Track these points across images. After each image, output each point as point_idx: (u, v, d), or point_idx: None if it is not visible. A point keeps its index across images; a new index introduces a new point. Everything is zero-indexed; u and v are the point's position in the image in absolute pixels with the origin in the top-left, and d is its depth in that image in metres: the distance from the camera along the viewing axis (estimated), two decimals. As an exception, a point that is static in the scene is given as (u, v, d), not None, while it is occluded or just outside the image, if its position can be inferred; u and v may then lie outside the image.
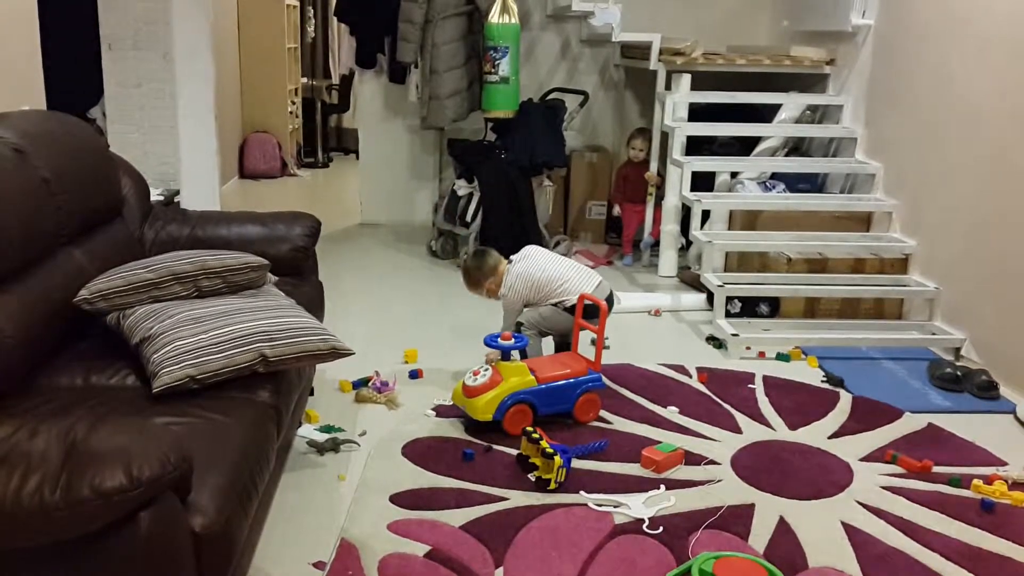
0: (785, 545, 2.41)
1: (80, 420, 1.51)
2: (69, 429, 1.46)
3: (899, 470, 2.88)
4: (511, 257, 3.57)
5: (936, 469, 2.88)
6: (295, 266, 3.16)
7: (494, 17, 5.05)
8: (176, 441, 1.52)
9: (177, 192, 4.78)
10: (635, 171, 5.50)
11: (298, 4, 8.90)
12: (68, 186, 2.53)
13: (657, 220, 5.31)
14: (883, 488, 2.75)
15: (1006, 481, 2.77)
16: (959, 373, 3.60)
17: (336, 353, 2.38)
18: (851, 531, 2.49)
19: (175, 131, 5.04)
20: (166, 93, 5.02)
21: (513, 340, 3.12)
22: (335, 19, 6.57)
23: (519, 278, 3.45)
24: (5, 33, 4.22)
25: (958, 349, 3.96)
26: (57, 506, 1.34)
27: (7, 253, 2.12)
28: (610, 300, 3.48)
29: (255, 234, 3.14)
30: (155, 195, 4.12)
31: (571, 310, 3.37)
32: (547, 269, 3.46)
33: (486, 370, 3.05)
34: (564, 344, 3.53)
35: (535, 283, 3.43)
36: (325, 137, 9.30)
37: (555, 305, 3.43)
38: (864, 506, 2.64)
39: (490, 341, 3.13)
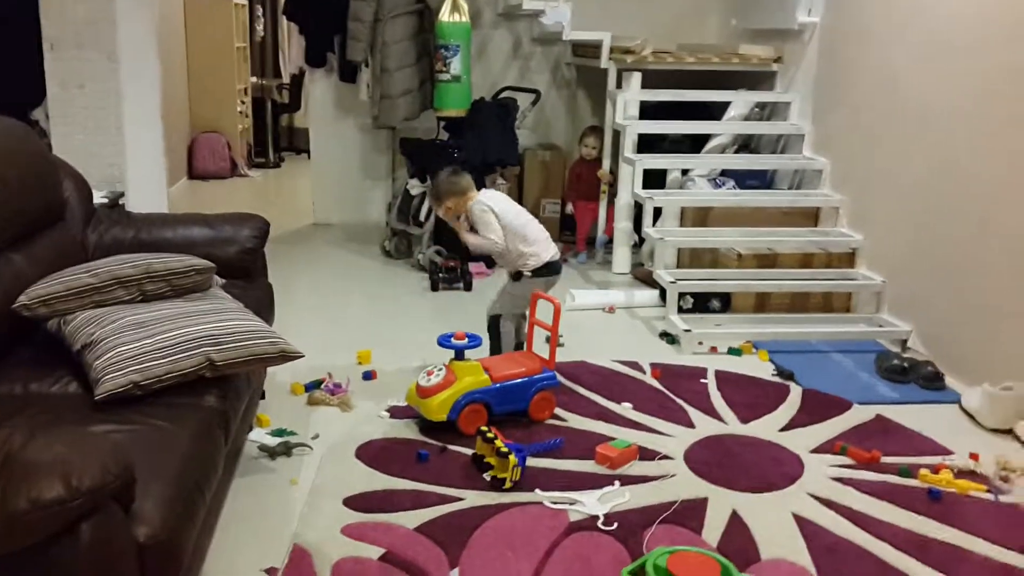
0: (738, 538, 2.43)
1: (17, 430, 1.47)
2: (5, 439, 1.42)
3: (849, 461, 2.92)
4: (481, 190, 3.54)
5: (884, 459, 2.92)
6: (243, 268, 3.11)
7: (444, 15, 5.04)
8: (117, 449, 1.49)
9: (122, 194, 4.68)
10: (588, 169, 5.52)
11: (246, 3, 8.79)
12: (6, 190, 2.46)
13: (610, 217, 5.34)
14: (833, 479, 2.79)
15: (952, 470, 2.82)
16: (906, 365, 3.67)
17: (285, 356, 2.35)
18: (802, 523, 2.52)
19: (121, 132, 4.94)
20: (111, 93, 4.90)
21: (467, 340, 3.10)
22: (284, 18, 6.49)
23: (495, 209, 3.38)
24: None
25: (905, 341, 4.03)
26: (-7, 519, 1.31)
27: (-59, 259, 2.05)
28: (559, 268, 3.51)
29: (201, 236, 3.09)
30: (99, 197, 4.03)
31: (537, 272, 3.41)
32: (521, 216, 3.45)
33: (440, 370, 3.04)
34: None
35: (509, 225, 3.37)
36: (276, 137, 9.20)
37: (518, 272, 3.43)
38: (815, 498, 2.67)
39: (443, 341, 3.11)
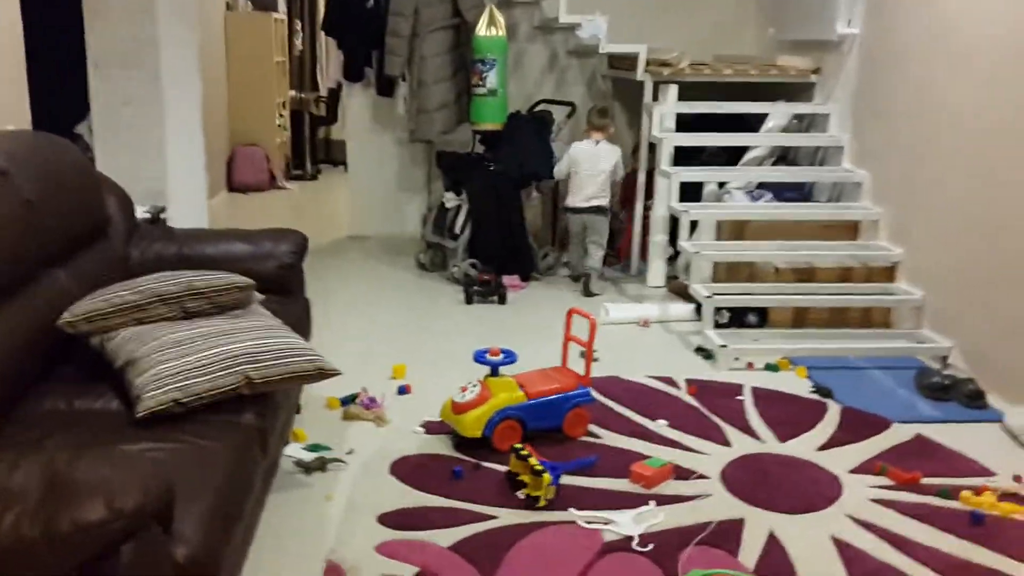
0: (775, 561, 2.40)
1: (61, 451, 1.50)
2: (49, 461, 1.45)
3: (888, 482, 2.88)
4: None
5: (925, 481, 2.88)
6: (282, 283, 3.14)
7: (481, 30, 5.06)
8: (158, 470, 1.51)
9: (163, 209, 4.75)
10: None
11: (286, 18, 8.90)
12: (52, 207, 2.51)
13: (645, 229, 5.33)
14: (873, 501, 2.75)
15: (995, 492, 2.77)
16: (947, 382, 3.61)
17: (323, 374, 2.36)
18: (841, 546, 2.49)
19: (163, 148, 5.02)
20: (154, 111, 4.98)
21: (502, 356, 3.11)
22: (323, 32, 6.57)
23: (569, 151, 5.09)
24: (-11, 51, 4.20)
25: (945, 357, 3.97)
26: (37, 541, 1.33)
27: (-11, 278, 2.10)
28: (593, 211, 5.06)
29: (241, 251, 3.12)
30: (141, 212, 4.10)
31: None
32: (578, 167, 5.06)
33: (474, 386, 3.05)
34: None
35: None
36: (313, 149, 9.29)
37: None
38: (854, 520, 2.64)
39: (479, 357, 3.12)
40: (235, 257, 3.08)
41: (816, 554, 2.44)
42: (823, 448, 3.12)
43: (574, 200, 5.07)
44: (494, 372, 3.11)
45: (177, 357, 2.17)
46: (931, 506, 2.73)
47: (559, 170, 5.13)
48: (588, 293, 5.01)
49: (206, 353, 2.19)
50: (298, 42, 9.33)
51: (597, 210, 5.07)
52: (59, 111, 5.67)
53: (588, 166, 5.02)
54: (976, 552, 2.48)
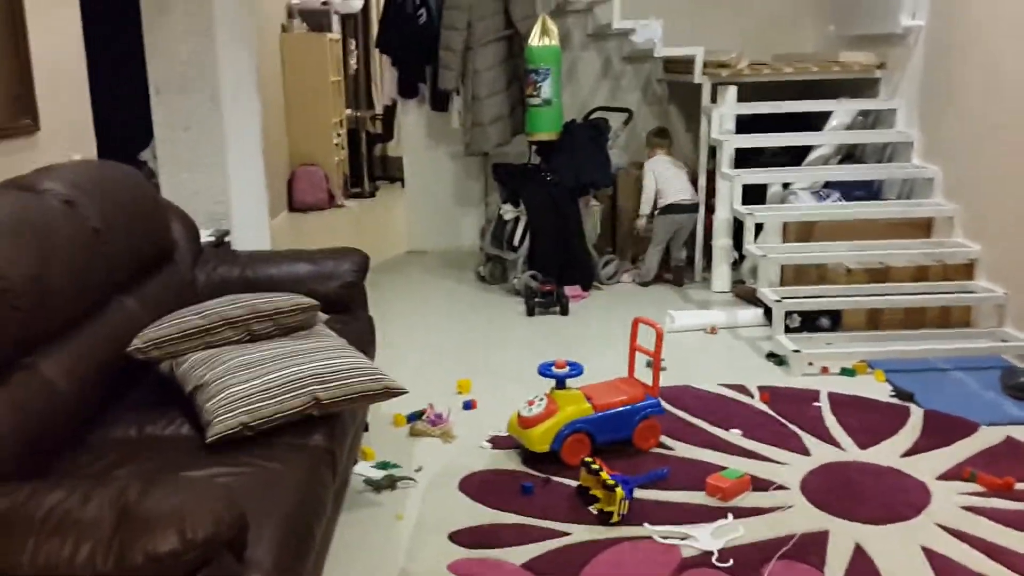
0: (863, 574, 2.30)
1: (132, 481, 1.49)
2: (121, 491, 1.44)
3: (979, 488, 2.75)
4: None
5: (1018, 486, 2.74)
6: (344, 302, 3.14)
7: (534, 40, 5.03)
8: (230, 497, 1.49)
9: (227, 232, 4.82)
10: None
11: (340, 37, 9.00)
12: (118, 235, 2.54)
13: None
14: (963, 508, 2.63)
15: (1096, 498, 2.62)
16: (1035, 382, 3.45)
17: (390, 392, 2.34)
18: (932, 556, 2.38)
19: (225, 171, 5.09)
20: (215, 134, 5.06)
21: (568, 368, 3.05)
22: (377, 50, 6.61)
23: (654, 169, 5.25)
24: (55, 82, 4.31)
25: (1032, 356, 3.80)
26: (110, 574, 1.32)
27: (57, 307, 2.12)
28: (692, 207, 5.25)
29: (304, 272, 3.13)
30: (206, 236, 4.15)
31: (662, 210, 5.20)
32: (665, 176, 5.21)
33: (541, 399, 3.00)
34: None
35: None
36: (371, 166, 9.37)
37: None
38: (944, 528, 2.52)
39: (544, 370, 3.07)
40: (298, 278, 3.10)
41: (906, 566, 2.34)
42: (907, 454, 2.99)
43: (672, 197, 5.20)
44: (560, 385, 3.06)
45: (245, 380, 2.16)
46: (1027, 514, 2.59)
47: (648, 187, 5.25)
48: (681, 283, 5.30)
49: (274, 376, 2.19)
50: (353, 61, 9.44)
51: (693, 207, 5.27)
52: (124, 139, 5.81)
53: (672, 172, 5.25)
54: (1079, 562, 2.34)
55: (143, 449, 2.05)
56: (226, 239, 4.54)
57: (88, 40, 4.75)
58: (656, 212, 5.24)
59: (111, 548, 1.33)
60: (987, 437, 3.11)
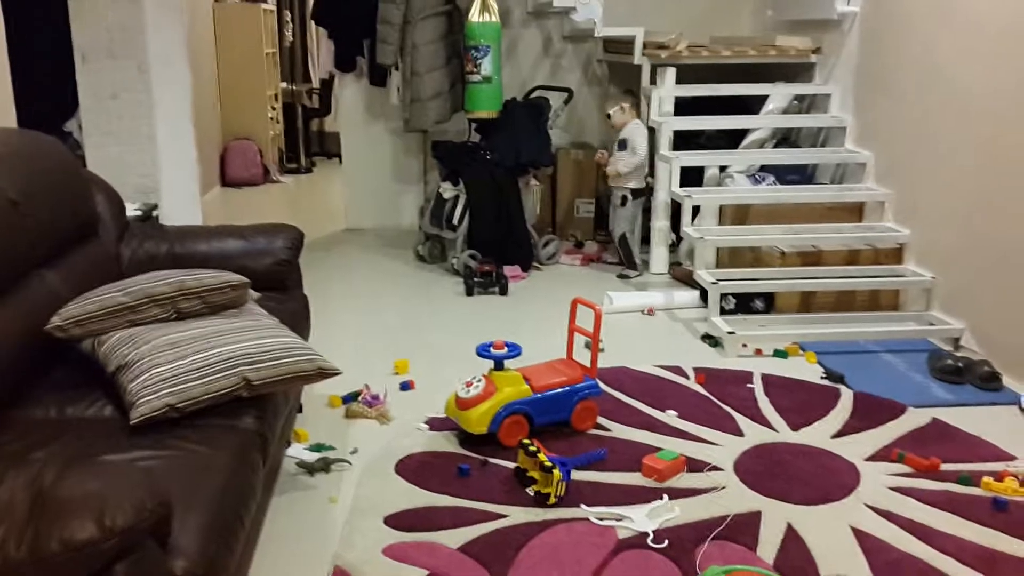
0: (795, 554, 2.33)
1: (49, 464, 1.42)
2: (36, 475, 1.37)
3: (907, 469, 2.81)
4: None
5: (944, 467, 2.81)
6: (278, 280, 3.06)
7: (474, 16, 4.96)
8: (153, 483, 1.43)
9: (155, 206, 4.66)
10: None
11: (275, 8, 8.78)
12: (38, 207, 2.42)
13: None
14: (891, 489, 2.68)
15: (1017, 477, 2.70)
16: (960, 364, 3.54)
17: (323, 374, 2.28)
18: (861, 536, 2.42)
19: (154, 142, 4.93)
20: (143, 104, 4.90)
21: (506, 349, 3.03)
22: (313, 22, 6.46)
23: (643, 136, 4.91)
24: (-28, 48, 4.10)
25: (957, 339, 3.90)
26: (24, 562, 1.25)
27: (-28, 282, 2.01)
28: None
29: (235, 249, 3.04)
30: (132, 210, 4.01)
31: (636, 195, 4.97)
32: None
33: (479, 381, 2.97)
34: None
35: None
36: (307, 142, 9.19)
37: (623, 197, 4.95)
38: (873, 509, 2.56)
39: (482, 351, 3.04)
40: (229, 254, 3.00)
41: (836, 545, 2.37)
42: (838, 435, 3.04)
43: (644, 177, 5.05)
44: (498, 366, 3.03)
45: (171, 360, 2.09)
46: (952, 493, 2.66)
47: (641, 150, 4.91)
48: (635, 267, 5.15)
49: (201, 355, 2.11)
50: (288, 33, 9.22)
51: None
52: (48, 109, 5.57)
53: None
54: (1000, 540, 2.41)
55: (63, 431, 1.96)
56: (154, 213, 4.40)
57: (8, 4, 4.53)
58: (631, 194, 4.96)
59: (24, 534, 1.26)
60: (915, 419, 3.18)
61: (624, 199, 4.96)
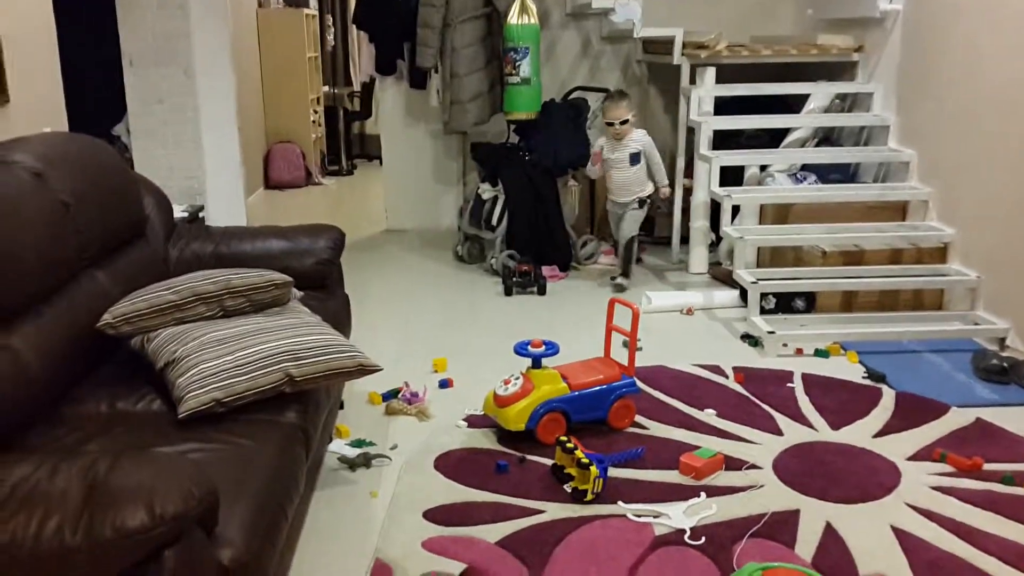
0: (833, 552, 2.32)
1: (102, 455, 1.47)
2: (90, 465, 1.42)
3: (948, 469, 2.78)
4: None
5: (987, 467, 2.78)
6: (320, 279, 3.12)
7: (513, 18, 4.99)
8: (200, 473, 1.48)
9: (201, 208, 4.77)
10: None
11: (317, 13, 8.90)
12: (89, 208, 2.50)
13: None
14: (932, 488, 2.66)
15: (1062, 478, 2.66)
16: (1005, 364, 3.49)
17: (364, 370, 2.33)
18: (901, 536, 2.40)
19: (199, 145, 5.05)
20: (189, 108, 5.02)
21: (544, 347, 3.05)
22: (354, 27, 6.55)
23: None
24: (25, 55, 4.23)
25: (1003, 339, 3.84)
26: (79, 548, 1.30)
27: (27, 281, 2.09)
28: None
29: (279, 249, 3.10)
30: (179, 212, 4.11)
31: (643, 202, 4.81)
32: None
33: (517, 379, 2.99)
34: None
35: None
36: (348, 144, 9.30)
37: (641, 200, 4.78)
38: (914, 508, 2.54)
39: (520, 349, 3.06)
40: (273, 254, 3.07)
41: (876, 545, 2.36)
42: (879, 435, 3.02)
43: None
44: (536, 364, 3.06)
45: (218, 356, 2.14)
46: (994, 493, 2.62)
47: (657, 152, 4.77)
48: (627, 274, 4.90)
49: (247, 352, 2.17)
50: (330, 37, 9.33)
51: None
52: (97, 113, 5.72)
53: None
54: (1044, 541, 2.38)
55: (114, 425, 2.03)
56: (200, 215, 4.49)
57: (60, 12, 4.66)
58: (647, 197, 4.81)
59: (79, 522, 1.32)
60: (958, 418, 3.15)
61: (642, 202, 4.79)
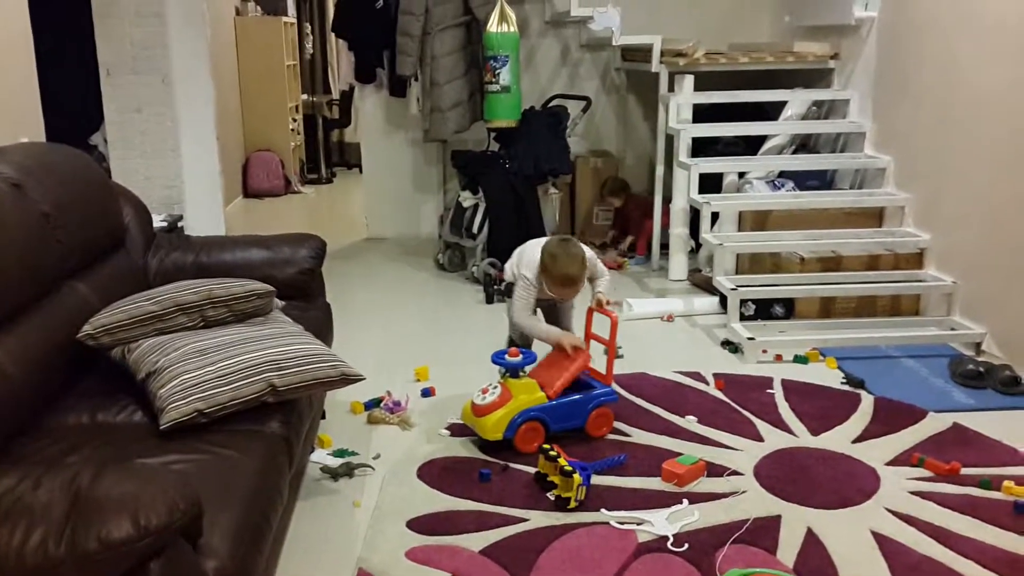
0: (815, 558, 2.34)
1: (85, 466, 1.46)
2: (73, 477, 1.41)
3: (927, 473, 2.81)
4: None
5: (965, 471, 2.81)
6: (302, 289, 3.11)
7: (492, 26, 5.01)
8: (185, 484, 1.47)
9: (180, 217, 4.75)
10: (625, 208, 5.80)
11: (295, 21, 8.88)
12: (69, 219, 2.48)
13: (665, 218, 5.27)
14: (911, 493, 2.68)
15: (1038, 481, 2.70)
16: (981, 369, 3.53)
17: (347, 379, 2.33)
18: (881, 540, 2.43)
19: (178, 154, 5.03)
20: (167, 117, 4.99)
21: (521, 357, 3.05)
22: (333, 34, 6.55)
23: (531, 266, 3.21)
24: (1, 65, 4.19)
25: (979, 344, 3.89)
26: (63, 560, 1.29)
27: (7, 292, 2.07)
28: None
29: (260, 258, 3.09)
30: (158, 221, 4.08)
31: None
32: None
33: (495, 388, 2.99)
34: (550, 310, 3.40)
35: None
36: (328, 152, 9.28)
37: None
38: (893, 513, 2.57)
39: (497, 359, 3.06)
40: (254, 264, 3.06)
41: (856, 550, 2.38)
42: (858, 440, 3.05)
43: None
44: (514, 373, 3.06)
45: (199, 367, 2.13)
46: (972, 497, 2.66)
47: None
48: None
49: (228, 362, 2.16)
50: (308, 45, 9.31)
51: None
52: (74, 122, 5.67)
53: None
54: (1021, 543, 2.41)
55: (96, 436, 2.02)
56: (179, 224, 4.47)
57: (36, 21, 4.63)
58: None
59: (63, 534, 1.31)
60: (935, 423, 3.18)
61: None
